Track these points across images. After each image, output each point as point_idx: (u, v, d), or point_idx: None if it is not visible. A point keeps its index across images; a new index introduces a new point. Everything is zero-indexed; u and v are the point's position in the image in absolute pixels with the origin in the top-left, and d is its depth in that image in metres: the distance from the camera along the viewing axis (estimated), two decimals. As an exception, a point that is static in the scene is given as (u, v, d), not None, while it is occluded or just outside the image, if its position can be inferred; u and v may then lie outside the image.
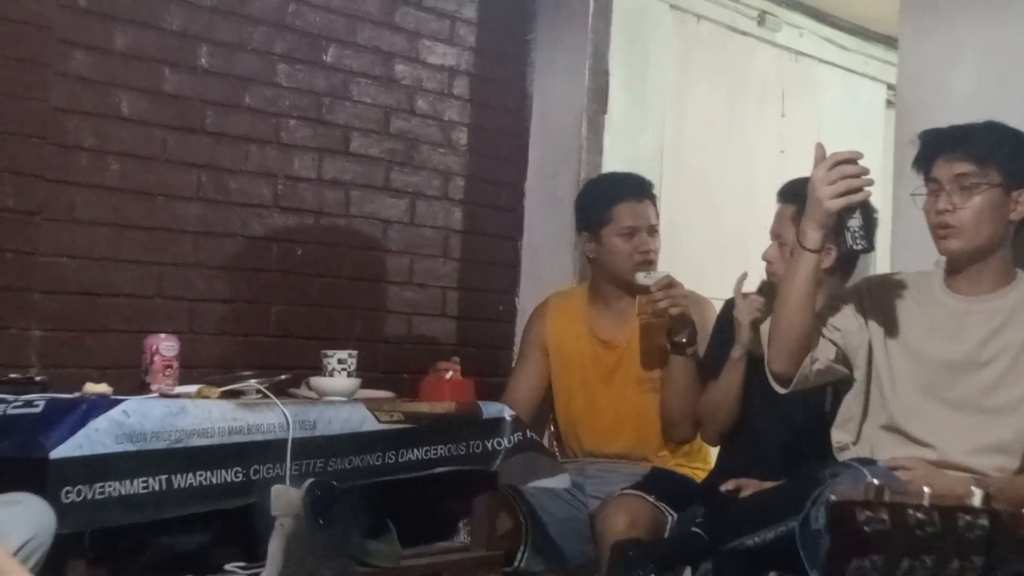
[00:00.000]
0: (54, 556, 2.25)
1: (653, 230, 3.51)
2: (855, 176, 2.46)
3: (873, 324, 2.67)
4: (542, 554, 3.34)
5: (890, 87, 5.50)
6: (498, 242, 4.26)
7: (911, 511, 1.24)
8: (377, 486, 2.93)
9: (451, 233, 4.13)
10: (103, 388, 2.63)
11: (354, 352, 3.07)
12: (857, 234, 2.51)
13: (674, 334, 3.35)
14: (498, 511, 3.28)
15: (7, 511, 2.18)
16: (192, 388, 2.74)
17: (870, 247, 2.71)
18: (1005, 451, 2.54)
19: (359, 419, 2.90)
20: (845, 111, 5.61)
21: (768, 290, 3.07)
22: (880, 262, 4.86)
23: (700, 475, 3.45)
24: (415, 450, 3.00)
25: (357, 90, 3.86)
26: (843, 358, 2.69)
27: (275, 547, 2.62)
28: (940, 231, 2.58)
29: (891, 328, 2.65)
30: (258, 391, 2.80)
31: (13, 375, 2.77)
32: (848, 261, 3.05)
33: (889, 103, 5.59)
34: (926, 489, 1.27)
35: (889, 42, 5.26)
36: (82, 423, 2.39)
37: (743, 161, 5.09)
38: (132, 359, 2.91)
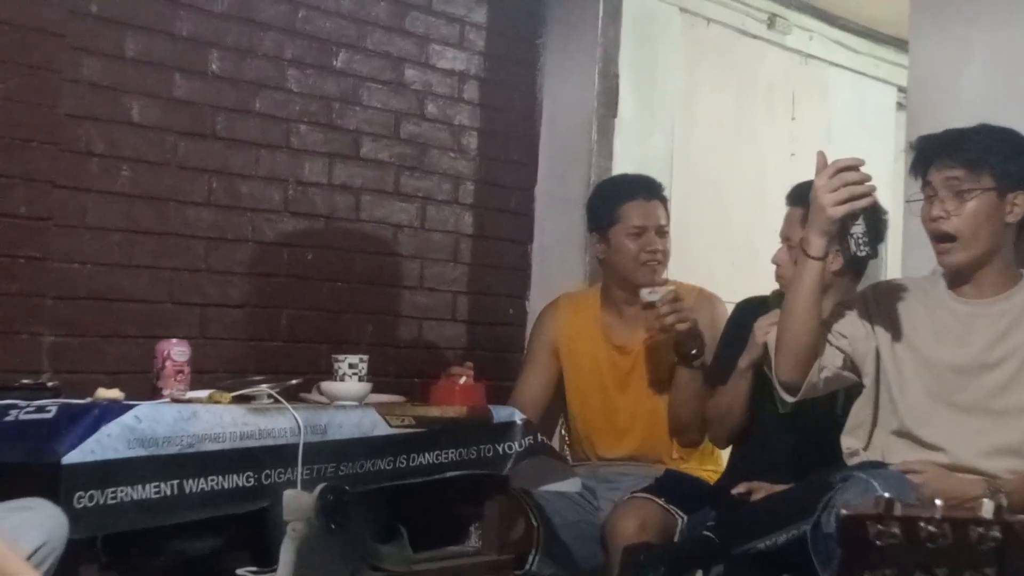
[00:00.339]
0: (67, 561, 2.26)
1: (662, 231, 3.50)
2: (857, 183, 2.46)
3: (880, 330, 2.66)
4: (553, 558, 3.34)
5: (900, 89, 5.49)
6: (508, 246, 4.26)
7: (922, 524, 1.24)
8: (388, 490, 2.94)
9: (461, 237, 4.13)
10: (115, 393, 2.63)
11: (365, 356, 3.07)
12: (861, 240, 2.52)
13: (682, 346, 3.34)
14: (511, 514, 3.28)
15: (20, 516, 2.19)
16: (204, 393, 2.75)
17: (874, 253, 2.72)
18: (1016, 453, 2.54)
19: (370, 423, 2.90)
20: (855, 114, 5.61)
21: (780, 301, 3.06)
22: (891, 264, 4.86)
23: (713, 477, 3.45)
24: (426, 454, 3.00)
25: (367, 95, 3.86)
26: (851, 365, 2.68)
27: (287, 552, 2.62)
28: (939, 245, 2.58)
29: (898, 333, 2.65)
30: (269, 396, 2.81)
31: (25, 381, 2.78)
32: (857, 264, 3.05)
33: (900, 105, 5.59)
34: (938, 502, 1.27)
35: (899, 44, 5.26)
36: (94, 428, 2.39)
37: (753, 164, 5.09)
38: (144, 364, 2.93)
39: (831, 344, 2.66)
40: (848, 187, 2.46)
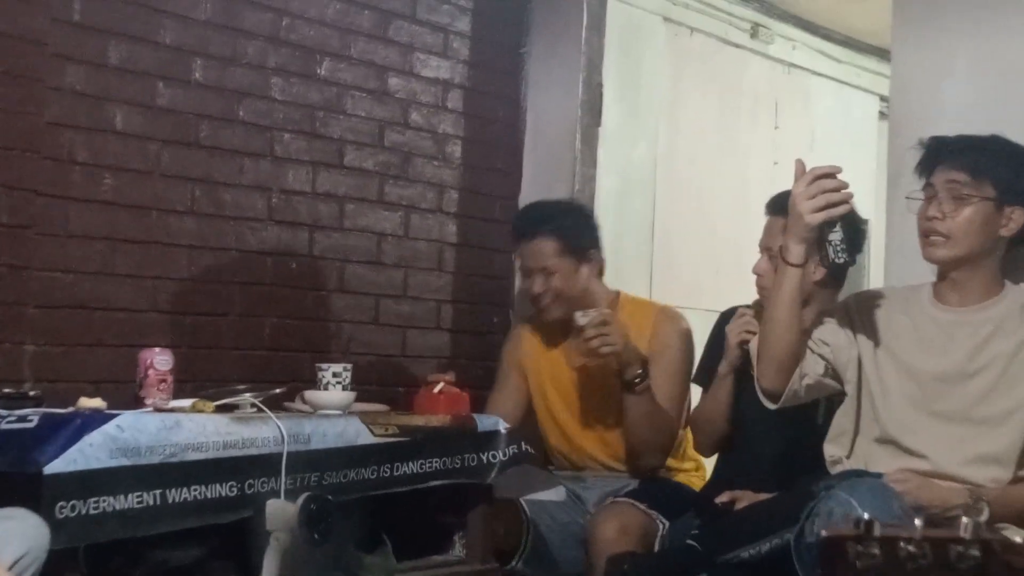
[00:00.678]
0: (48, 572, 2.24)
1: (547, 271, 3.35)
2: (834, 190, 2.47)
3: (862, 338, 2.67)
4: (538, 559, 3.33)
5: (883, 99, 5.52)
6: (492, 255, 4.26)
7: (902, 544, 1.24)
8: (372, 500, 2.93)
9: (445, 246, 4.13)
10: (97, 403, 2.62)
11: (349, 365, 3.06)
12: (839, 247, 2.53)
13: (623, 372, 3.24)
14: (502, 508, 3.25)
15: (1, 526, 2.17)
16: (187, 402, 2.73)
17: (852, 260, 2.73)
18: (998, 461, 2.55)
19: (354, 432, 2.89)
20: (838, 123, 5.63)
21: (761, 309, 3.07)
22: (874, 272, 4.88)
23: (694, 476, 3.45)
24: (410, 463, 3.00)
25: (351, 103, 3.86)
26: (833, 373, 2.69)
27: (270, 561, 2.62)
28: (927, 238, 2.60)
29: (880, 342, 2.66)
30: (253, 405, 2.80)
31: (7, 390, 2.76)
32: (837, 272, 3.06)
33: (882, 115, 5.62)
34: (917, 522, 1.27)
35: (882, 54, 5.28)
36: (76, 438, 2.38)
37: (736, 172, 5.11)
38: (126, 373, 2.91)
39: (812, 351, 2.66)
40: (825, 194, 2.47)
